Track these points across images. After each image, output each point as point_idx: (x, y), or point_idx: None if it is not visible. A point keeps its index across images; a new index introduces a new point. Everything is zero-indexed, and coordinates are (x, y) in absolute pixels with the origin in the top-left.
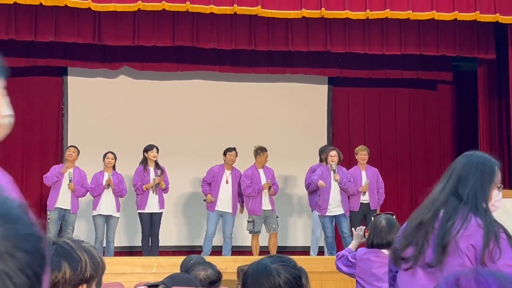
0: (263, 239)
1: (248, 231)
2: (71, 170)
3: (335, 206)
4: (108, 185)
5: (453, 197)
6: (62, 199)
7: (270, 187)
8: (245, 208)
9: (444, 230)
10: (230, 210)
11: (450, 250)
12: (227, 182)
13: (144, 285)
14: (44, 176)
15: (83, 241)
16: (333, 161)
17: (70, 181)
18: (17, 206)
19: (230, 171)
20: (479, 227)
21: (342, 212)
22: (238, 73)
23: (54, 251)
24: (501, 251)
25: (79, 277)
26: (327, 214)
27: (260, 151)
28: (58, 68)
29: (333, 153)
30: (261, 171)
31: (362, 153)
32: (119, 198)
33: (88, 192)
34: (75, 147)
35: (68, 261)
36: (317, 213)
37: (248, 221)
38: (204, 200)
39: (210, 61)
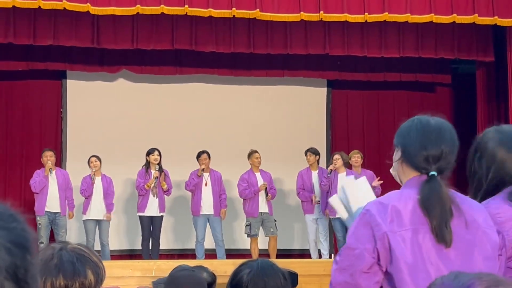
0: (263, 243)
1: (246, 235)
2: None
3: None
4: (94, 175)
5: None
6: (51, 203)
7: (267, 193)
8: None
9: None
10: (212, 212)
11: None
12: (206, 184)
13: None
14: (31, 182)
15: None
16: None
17: (50, 171)
18: None
19: (208, 174)
20: None
21: None
22: (237, 76)
23: (76, 258)
24: None
25: (98, 281)
26: (337, 216)
27: (251, 153)
28: (57, 71)
29: (336, 156)
30: (257, 174)
31: (355, 156)
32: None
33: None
34: (52, 150)
35: (91, 267)
36: (330, 216)
37: (246, 225)
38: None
39: (209, 65)
